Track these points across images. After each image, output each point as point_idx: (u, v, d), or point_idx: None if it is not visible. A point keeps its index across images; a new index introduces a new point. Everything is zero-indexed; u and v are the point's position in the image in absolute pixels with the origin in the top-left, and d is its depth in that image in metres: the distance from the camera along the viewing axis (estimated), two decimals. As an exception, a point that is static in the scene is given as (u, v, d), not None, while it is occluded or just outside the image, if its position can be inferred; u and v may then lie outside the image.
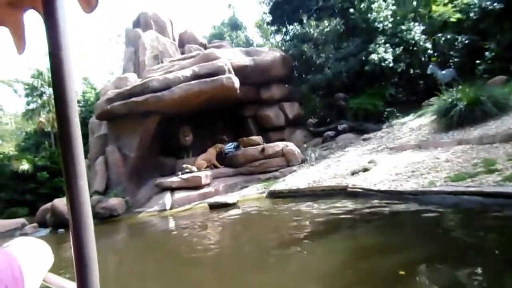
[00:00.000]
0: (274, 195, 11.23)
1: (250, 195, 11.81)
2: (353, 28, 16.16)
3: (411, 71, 16.74)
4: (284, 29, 17.76)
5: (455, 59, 16.46)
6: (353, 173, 10.13)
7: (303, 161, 13.57)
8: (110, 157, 14.41)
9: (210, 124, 17.19)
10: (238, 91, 14.42)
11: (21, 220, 14.45)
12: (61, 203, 12.68)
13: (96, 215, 12.68)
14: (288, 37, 16.62)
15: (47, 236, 11.36)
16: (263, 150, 13.68)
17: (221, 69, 13.88)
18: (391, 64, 14.74)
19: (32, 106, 29.32)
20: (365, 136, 14.26)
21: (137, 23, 19.72)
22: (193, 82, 13.37)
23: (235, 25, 31.26)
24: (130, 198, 13.48)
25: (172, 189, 12.76)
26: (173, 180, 12.80)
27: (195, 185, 12.70)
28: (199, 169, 13.60)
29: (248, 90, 16.27)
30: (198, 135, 16.24)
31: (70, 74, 0.65)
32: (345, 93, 16.07)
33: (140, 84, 13.44)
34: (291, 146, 13.64)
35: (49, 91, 29.01)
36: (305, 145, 15.06)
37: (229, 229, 8.53)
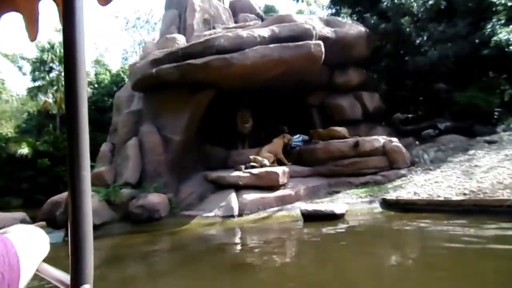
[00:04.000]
0: (397, 207, 7.72)
1: (354, 205, 8.26)
2: (456, 4, 12.77)
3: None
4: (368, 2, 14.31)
5: None
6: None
7: (412, 163, 10.07)
8: (145, 140, 10.81)
9: (267, 111, 13.66)
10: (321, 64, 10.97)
11: (20, 214, 10.73)
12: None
13: (127, 216, 9.09)
14: (372, 12, 13.23)
15: (61, 245, 7.67)
16: (356, 144, 10.15)
17: (308, 33, 10.42)
18: (518, 50, 11.34)
19: (38, 83, 25.65)
20: (487, 138, 10.80)
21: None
22: (272, 45, 9.88)
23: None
24: (173, 195, 9.88)
25: (237, 188, 9.18)
26: (241, 175, 9.21)
27: (269, 184, 9.13)
28: (261, 165, 10.03)
29: (318, 71, 12.78)
30: (254, 123, 12.71)
31: (82, 63, 0.65)
32: (446, 84, 12.66)
33: (202, 42, 9.90)
34: (396, 142, 10.12)
35: (60, 68, 25.42)
36: (417, 143, 11.52)
37: (360, 263, 4.96)
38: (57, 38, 26.13)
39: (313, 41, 10.29)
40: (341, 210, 7.42)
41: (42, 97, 25.66)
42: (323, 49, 10.36)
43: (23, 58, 29.45)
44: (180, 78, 9.97)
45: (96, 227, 8.59)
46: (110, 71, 29.57)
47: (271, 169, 9.29)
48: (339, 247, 5.89)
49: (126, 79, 26.43)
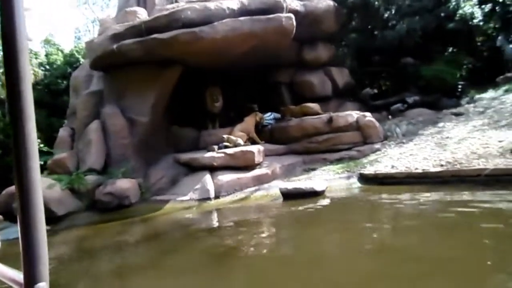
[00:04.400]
0: (375, 181, 7.71)
1: (332, 181, 8.15)
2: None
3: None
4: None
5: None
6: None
7: (385, 137, 10.11)
8: (109, 122, 10.07)
9: (236, 89, 13.22)
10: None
11: (-29, 208, 9.78)
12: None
13: (94, 204, 8.50)
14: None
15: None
16: (330, 120, 10.02)
17: (278, 5, 10.01)
18: (481, 23, 11.58)
19: (-19, 64, 23.40)
20: (454, 110, 11.07)
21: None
22: (242, 18, 9.37)
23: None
24: (143, 180, 9.34)
25: (212, 169, 8.79)
26: (215, 156, 8.80)
27: (245, 164, 8.82)
28: (235, 144, 9.69)
29: (288, 47, 12.44)
30: (224, 102, 12.23)
31: (23, 40, 0.58)
32: (414, 59, 12.75)
33: (167, 15, 9.18)
34: (369, 117, 10.08)
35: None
36: (390, 117, 11.56)
37: (342, 239, 4.83)
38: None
39: (284, 14, 9.89)
40: (321, 187, 7.27)
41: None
42: (294, 22, 10.00)
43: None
44: (144, 54, 9.26)
45: (60, 218, 7.97)
46: (62, 51, 27.53)
47: (246, 148, 8.96)
48: (321, 224, 5.75)
49: (82, 59, 24.79)
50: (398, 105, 12.04)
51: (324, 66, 13.60)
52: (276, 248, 4.79)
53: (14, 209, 8.74)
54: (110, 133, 10.00)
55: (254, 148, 8.96)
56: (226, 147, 9.52)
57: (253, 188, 8.46)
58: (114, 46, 9.24)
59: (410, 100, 12.16)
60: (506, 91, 12.03)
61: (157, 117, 10.59)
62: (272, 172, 8.97)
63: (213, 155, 8.79)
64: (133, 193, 8.55)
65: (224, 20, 9.13)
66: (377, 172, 7.86)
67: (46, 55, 26.50)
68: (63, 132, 11.90)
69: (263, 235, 5.45)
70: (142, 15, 10.89)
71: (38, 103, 24.14)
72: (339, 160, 9.60)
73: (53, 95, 24.26)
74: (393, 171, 7.67)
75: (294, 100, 13.45)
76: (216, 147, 9.51)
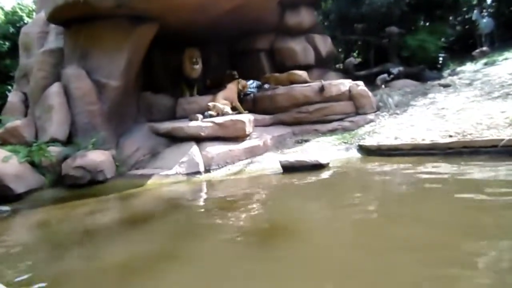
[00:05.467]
0: (378, 153, 7.27)
1: (330, 154, 7.59)
2: None
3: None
4: None
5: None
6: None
7: (378, 108, 9.69)
8: (73, 86, 8.67)
9: (209, 54, 12.11)
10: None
11: None
12: (-10, 156, 6.91)
13: (60, 180, 7.34)
14: None
15: None
16: (322, 89, 9.38)
17: (269, -41, 8.98)
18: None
19: None
20: (441, 82, 10.89)
21: None
22: (230, -30, 8.28)
23: None
24: (115, 152, 8.22)
25: (198, 140, 7.86)
26: (202, 125, 7.85)
27: (235, 135, 7.99)
28: (222, 113, 8.82)
29: (269, 11, 11.53)
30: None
31: None
32: (399, 28, 12.33)
33: (144, -41, 7.84)
34: (362, 86, 9.57)
35: None
36: (383, 87, 11.08)
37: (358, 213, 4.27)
38: None
39: (276, -31, 8.92)
40: (326, 159, 6.67)
41: None
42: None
43: None
44: (116, 6, 7.90)
45: (19, 196, 6.76)
46: (2, 9, 24.21)
47: (236, 117, 8.11)
48: (330, 196, 5.14)
49: (27, 18, 21.95)
50: (384, 75, 11.67)
51: (306, 33, 12.90)
52: (284, 221, 4.08)
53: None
54: (75, 98, 8.64)
55: (245, 117, 8.13)
56: (211, 116, 8.60)
57: (246, 161, 7.70)
58: (79, -6, 7.78)
59: (394, 70, 11.83)
60: (486, 64, 12.09)
61: (129, 81, 9.33)
62: (264, 144, 8.24)
63: (200, 124, 7.84)
64: (108, 166, 7.44)
65: (210, -30, 7.99)
66: (380, 143, 7.39)
67: (-17, 13, 23.15)
68: (13, 97, 10.26)
69: (282, 209, 4.72)
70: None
71: (-25, 67, 21.24)
72: (332, 131, 9.08)
73: (-3, 57, 21.44)
74: (397, 142, 7.24)
75: (274, 68, 12.71)
76: (200, 116, 8.55)
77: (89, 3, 7.84)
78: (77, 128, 8.59)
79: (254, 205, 4.98)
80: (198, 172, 7.12)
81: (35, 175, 7.30)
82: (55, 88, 8.67)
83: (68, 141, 8.35)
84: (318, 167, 6.60)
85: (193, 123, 7.94)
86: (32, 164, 7.42)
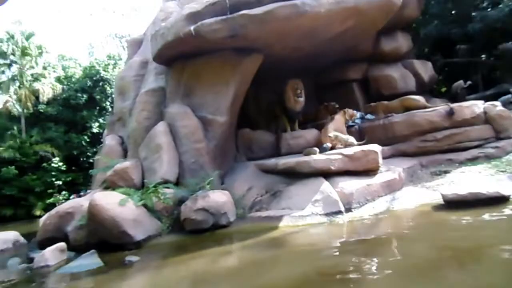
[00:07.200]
0: None
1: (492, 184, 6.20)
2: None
3: None
4: None
5: None
6: None
7: (520, 132, 8.24)
8: (179, 124, 8.20)
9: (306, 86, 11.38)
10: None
11: (11, 234, 7.71)
12: (104, 199, 6.30)
13: (177, 224, 6.55)
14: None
15: (109, 273, 4.90)
16: (451, 113, 8.16)
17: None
18: None
19: (-2, 78, 21.77)
20: None
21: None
22: (346, -10, 7.64)
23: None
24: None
25: (326, 175, 6.84)
26: (331, 158, 6.84)
27: (366, 168, 6.89)
28: (346, 144, 7.81)
29: (357, 40, 10.64)
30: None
31: None
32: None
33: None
34: (500, 106, 8.24)
35: (22, 60, 21.64)
36: None
37: None
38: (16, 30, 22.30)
39: (391, -13, 8.20)
40: (507, 191, 5.34)
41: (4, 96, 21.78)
42: (401, -3, 8.31)
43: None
44: (227, 36, 7.44)
45: (138, 245, 5.98)
46: (80, 65, 25.93)
47: (367, 147, 7.04)
48: None
49: (102, 72, 23.17)
50: (507, 96, 10.21)
51: (403, 59, 11.89)
52: None
53: (68, 234, 6.77)
54: (181, 137, 8.13)
55: (376, 148, 7.04)
56: (332, 148, 7.63)
57: (386, 197, 6.53)
58: (191, 28, 7.44)
59: (516, 91, 10.35)
60: None
61: (233, 117, 8.77)
62: (399, 177, 7.04)
63: (329, 157, 6.84)
64: (230, 208, 6.58)
65: (327, -8, 7.38)
66: None
67: (64, 69, 24.88)
68: (110, 141, 9.98)
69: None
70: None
71: (56, 119, 22.39)
72: (471, 160, 7.71)
73: (73, 110, 22.56)
74: None
75: (367, 98, 11.72)
76: (316, 149, 7.59)
77: (201, 36, 7.45)
78: (184, 168, 7.97)
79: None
80: (339, 212, 6.02)
81: (152, 220, 6.59)
82: (161, 127, 8.23)
83: (176, 182, 7.72)
84: (498, 200, 5.27)
85: (320, 156, 6.97)
86: (145, 207, 6.75)
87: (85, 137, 22.67)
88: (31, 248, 7.54)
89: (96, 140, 22.76)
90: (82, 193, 17.07)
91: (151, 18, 11.92)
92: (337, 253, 4.45)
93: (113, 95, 23.24)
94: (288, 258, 4.64)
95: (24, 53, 21.51)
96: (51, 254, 5.56)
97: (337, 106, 10.40)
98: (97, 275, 4.78)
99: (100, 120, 23.29)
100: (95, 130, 22.91)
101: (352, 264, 3.86)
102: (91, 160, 22.28)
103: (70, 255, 6.07)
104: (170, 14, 9.02)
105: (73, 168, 21.73)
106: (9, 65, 21.48)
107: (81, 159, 22.42)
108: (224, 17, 7.35)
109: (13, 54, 21.34)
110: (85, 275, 4.89)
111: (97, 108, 23.31)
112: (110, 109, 23.23)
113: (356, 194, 6.29)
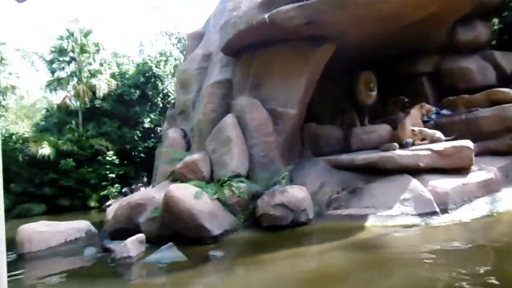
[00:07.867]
0: None
1: None
2: None
3: None
4: None
5: None
6: None
7: None
8: (249, 116, 7.92)
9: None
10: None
11: (84, 224, 7.81)
12: (180, 191, 6.10)
13: (252, 220, 6.24)
14: None
15: (195, 269, 4.66)
16: (550, 107, 7.29)
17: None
18: None
19: (57, 74, 22.72)
20: None
21: None
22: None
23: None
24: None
25: (413, 172, 6.28)
26: (420, 153, 6.28)
27: (458, 165, 6.26)
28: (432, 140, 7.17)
29: (432, 28, 9.80)
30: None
31: None
32: None
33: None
34: None
35: (81, 57, 22.49)
36: None
37: None
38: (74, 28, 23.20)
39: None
40: None
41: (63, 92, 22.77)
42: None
43: (35, 53, 26.30)
44: (303, 23, 7.05)
45: (215, 239, 5.73)
46: (133, 61, 26.64)
47: (459, 143, 6.40)
48: None
49: (155, 68, 23.56)
50: None
51: (481, 50, 10.92)
52: None
53: (140, 225, 6.67)
54: (251, 130, 7.85)
55: (469, 144, 6.37)
56: (413, 144, 7.04)
57: (484, 199, 5.86)
58: (266, 16, 7.12)
59: None
60: None
61: (303, 109, 8.36)
62: (496, 177, 6.33)
63: (417, 152, 6.28)
64: (309, 205, 6.20)
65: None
66: None
67: (118, 66, 25.62)
68: (173, 133, 9.94)
69: None
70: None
71: (110, 114, 23.11)
72: None
73: (126, 105, 23.15)
74: None
75: (438, 93, 10.86)
76: (396, 145, 7.02)
77: (276, 23, 7.12)
78: (253, 162, 7.68)
79: None
80: (434, 213, 5.46)
81: (226, 214, 6.35)
82: (230, 119, 7.99)
83: (246, 176, 7.44)
84: None
85: (406, 152, 6.42)
86: (218, 201, 6.52)
87: (137, 132, 23.14)
88: (102, 237, 7.58)
89: (147, 135, 23.22)
90: (133, 186, 17.48)
91: (201, 13, 11.78)
92: (453, 262, 3.92)
93: (164, 91, 23.79)
94: (392, 264, 4.16)
95: (82, 50, 22.30)
96: (132, 245, 5.44)
97: (406, 100, 9.71)
98: (186, 269, 4.56)
99: (152, 115, 23.71)
100: (146, 125, 23.34)
101: (479, 277, 3.33)
102: (142, 155, 22.82)
103: (147, 247, 5.95)
104: (240, 4, 8.79)
105: (125, 162, 22.26)
106: (69, 62, 22.36)
107: (133, 153, 22.92)
108: (301, 3, 6.96)
109: (72, 51, 22.17)
110: (173, 268, 4.69)
111: (149, 104, 23.74)
112: (161, 105, 23.60)
113: (451, 194, 5.69)
